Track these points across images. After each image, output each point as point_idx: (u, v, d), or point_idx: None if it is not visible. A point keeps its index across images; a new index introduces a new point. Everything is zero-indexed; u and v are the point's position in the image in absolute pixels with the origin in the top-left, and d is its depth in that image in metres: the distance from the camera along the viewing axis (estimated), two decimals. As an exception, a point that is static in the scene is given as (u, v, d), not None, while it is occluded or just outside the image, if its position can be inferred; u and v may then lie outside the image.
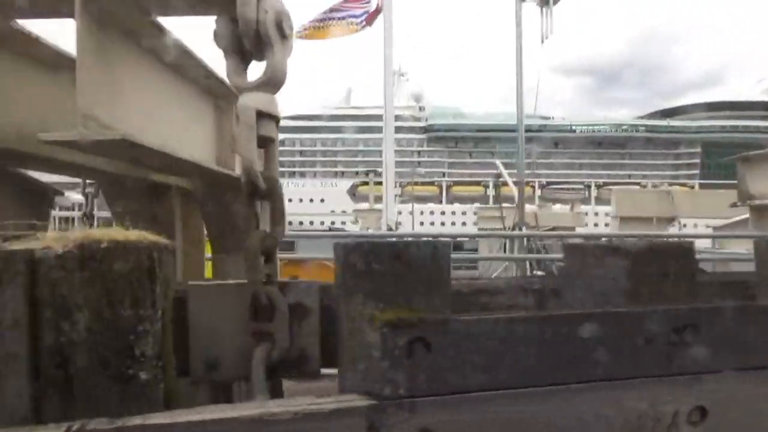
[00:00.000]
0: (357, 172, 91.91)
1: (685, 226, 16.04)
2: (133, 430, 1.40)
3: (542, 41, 15.03)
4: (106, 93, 2.09)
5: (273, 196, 1.93)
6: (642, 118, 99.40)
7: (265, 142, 1.96)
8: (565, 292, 2.13)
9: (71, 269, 1.49)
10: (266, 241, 1.91)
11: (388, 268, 1.70)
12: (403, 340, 1.56)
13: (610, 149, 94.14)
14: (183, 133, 2.88)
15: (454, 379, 1.58)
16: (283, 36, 2.02)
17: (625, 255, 1.94)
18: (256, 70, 2.07)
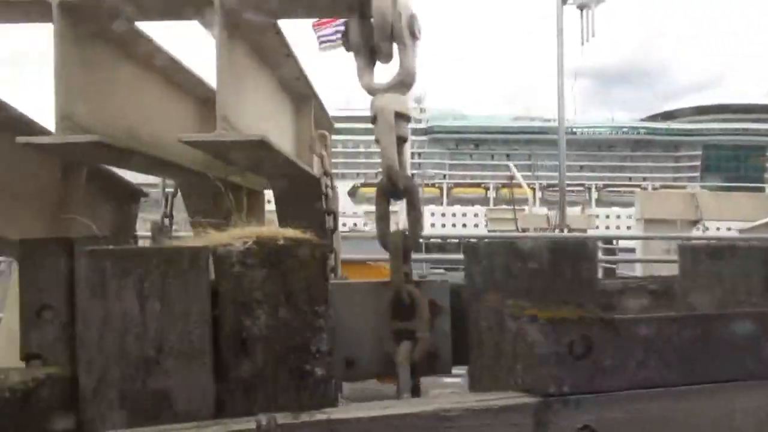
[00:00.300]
0: (358, 174, 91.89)
1: (710, 229, 16.07)
2: (318, 424, 1.43)
3: (582, 43, 15.09)
4: (234, 95, 2.13)
5: (411, 195, 1.96)
6: (643, 120, 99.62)
7: (400, 142, 1.99)
8: (684, 292, 2.16)
9: (252, 266, 1.52)
10: (407, 241, 1.94)
11: (542, 266, 1.73)
12: (566, 339, 1.59)
13: (610, 151, 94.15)
14: (273, 133, 2.92)
15: (616, 377, 1.61)
16: (414, 37, 2.05)
17: (757, 254, 1.97)
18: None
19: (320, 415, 1.45)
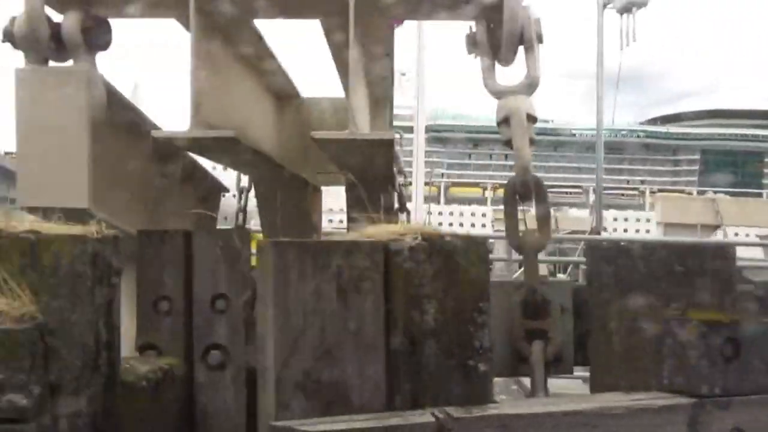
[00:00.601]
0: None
1: (737, 234, 16.16)
2: (490, 419, 1.46)
3: (621, 48, 15.13)
4: (361, 98, 2.17)
5: (542, 196, 1.99)
6: (642, 123, 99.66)
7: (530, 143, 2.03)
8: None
9: (422, 261, 1.55)
10: (538, 241, 1.97)
11: (687, 269, 1.76)
12: (718, 340, 1.62)
13: (609, 154, 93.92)
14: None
15: (764, 380, 1.65)
16: (540, 42, 2.08)
17: None
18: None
19: (491, 410, 1.49)
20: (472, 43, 2.10)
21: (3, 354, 1.33)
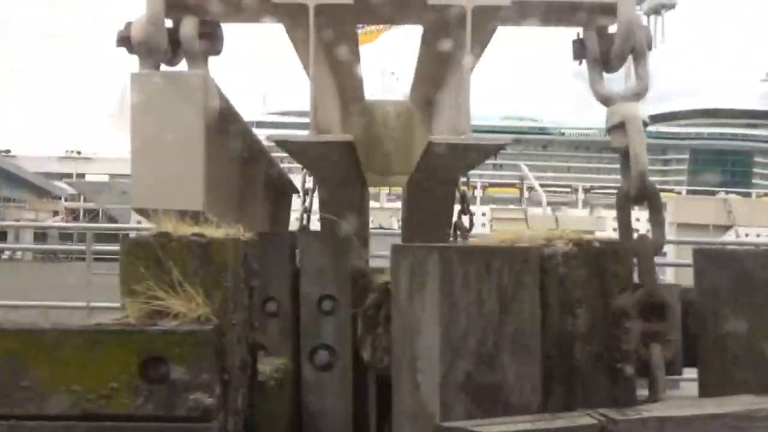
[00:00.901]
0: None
1: (758, 235, 16.28)
2: (647, 422, 1.50)
3: (649, 49, 15.24)
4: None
5: (655, 200, 2.02)
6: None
7: (640, 149, 2.06)
8: None
9: (575, 266, 1.59)
10: (654, 245, 2.00)
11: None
12: None
13: (597, 153, 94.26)
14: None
15: None
16: (650, 49, 2.13)
17: None
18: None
19: (646, 412, 1.52)
20: (580, 49, 2.14)
21: (188, 354, 1.36)
